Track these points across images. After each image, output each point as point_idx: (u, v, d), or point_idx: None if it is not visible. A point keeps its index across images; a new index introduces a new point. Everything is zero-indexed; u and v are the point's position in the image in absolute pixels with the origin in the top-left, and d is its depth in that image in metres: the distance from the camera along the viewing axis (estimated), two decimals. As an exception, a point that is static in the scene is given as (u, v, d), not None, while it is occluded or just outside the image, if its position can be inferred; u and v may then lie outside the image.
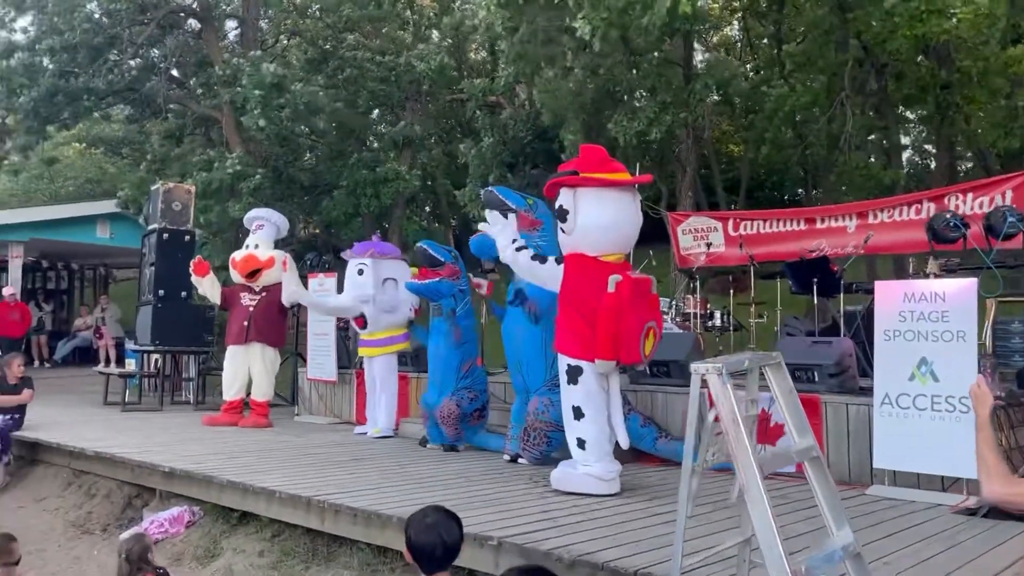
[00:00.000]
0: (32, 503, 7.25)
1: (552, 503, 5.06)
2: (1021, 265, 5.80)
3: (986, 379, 2.68)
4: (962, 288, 5.31)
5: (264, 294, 9.29)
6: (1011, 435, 5.53)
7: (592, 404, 5.40)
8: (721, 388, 2.67)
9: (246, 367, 9.26)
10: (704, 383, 2.75)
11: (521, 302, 6.41)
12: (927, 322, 5.40)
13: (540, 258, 5.72)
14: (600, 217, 5.42)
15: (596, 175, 5.44)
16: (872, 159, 14.59)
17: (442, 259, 7.40)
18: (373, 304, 8.30)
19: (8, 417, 7.75)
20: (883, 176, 12.29)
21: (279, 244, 9.93)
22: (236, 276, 9.37)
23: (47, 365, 15.85)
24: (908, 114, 16.12)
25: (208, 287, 9.43)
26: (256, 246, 9.42)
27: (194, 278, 9.40)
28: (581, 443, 5.41)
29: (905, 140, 19.16)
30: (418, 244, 7.83)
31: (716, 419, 2.73)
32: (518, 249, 5.73)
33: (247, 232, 9.98)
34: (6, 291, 13.57)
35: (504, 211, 6.46)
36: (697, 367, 2.75)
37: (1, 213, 14.92)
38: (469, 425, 7.41)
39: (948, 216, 6.03)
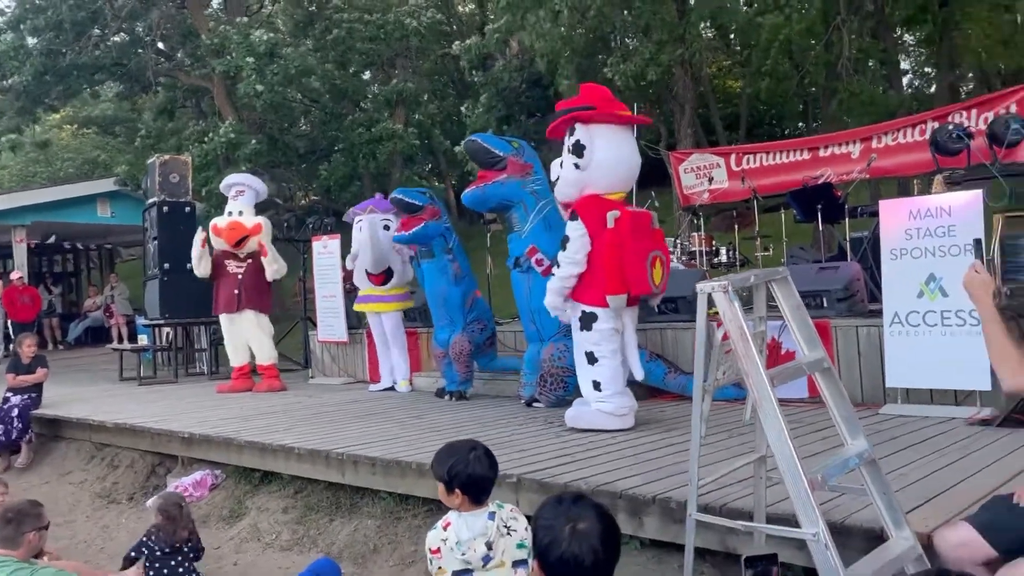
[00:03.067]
0: (57, 478, 7.36)
1: (568, 441, 5.10)
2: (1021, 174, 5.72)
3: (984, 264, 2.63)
4: (968, 200, 5.26)
5: (250, 261, 9.28)
6: (1020, 348, 5.51)
7: (606, 348, 5.42)
8: (728, 305, 2.66)
9: (242, 334, 9.30)
10: (711, 302, 2.74)
11: (523, 263, 6.39)
12: (933, 238, 5.36)
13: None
14: (613, 153, 5.45)
15: (609, 112, 5.46)
16: (872, 85, 14.36)
17: (419, 203, 7.33)
18: (403, 259, 8.31)
19: (26, 396, 7.84)
20: (885, 101, 12.12)
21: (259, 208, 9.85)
22: (219, 243, 9.27)
23: (61, 347, 16.00)
24: (907, 37, 15.84)
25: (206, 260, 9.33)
26: (240, 212, 9.34)
27: (197, 250, 9.26)
28: (596, 385, 5.44)
29: (905, 64, 18.86)
30: (392, 195, 7.74)
31: (724, 337, 2.72)
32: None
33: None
34: (14, 275, 13.63)
35: (491, 161, 6.42)
36: (703, 286, 2.74)
37: (2, 197, 14.85)
38: (483, 354, 7.57)
39: (951, 127, 5.95)
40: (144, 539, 4.73)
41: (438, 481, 2.79)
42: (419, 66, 18.67)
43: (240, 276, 9.20)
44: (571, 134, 5.46)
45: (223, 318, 9.33)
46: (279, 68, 13.34)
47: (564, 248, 5.32)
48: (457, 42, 16.65)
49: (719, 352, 2.80)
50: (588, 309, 5.38)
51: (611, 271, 5.24)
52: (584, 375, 5.51)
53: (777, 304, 2.91)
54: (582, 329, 5.42)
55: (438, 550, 2.72)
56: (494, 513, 2.72)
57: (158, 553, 4.61)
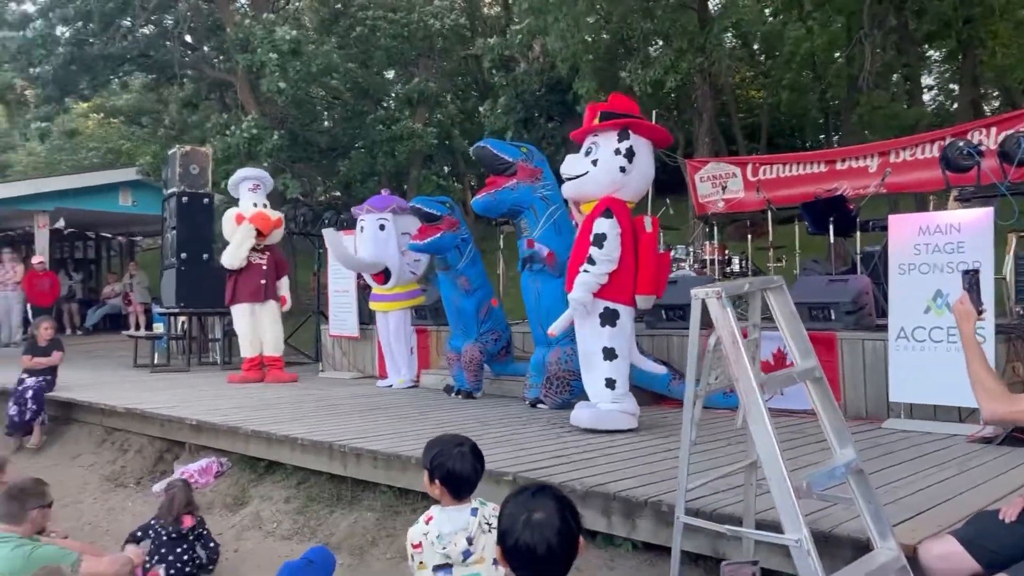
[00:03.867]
0: (68, 460, 7.48)
1: (568, 442, 5.14)
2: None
3: (971, 296, 2.68)
4: (978, 218, 5.25)
5: (268, 253, 9.44)
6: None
7: (623, 344, 5.56)
8: (720, 311, 2.69)
9: (261, 324, 9.40)
10: (704, 307, 2.77)
11: (535, 264, 6.42)
12: (942, 254, 5.36)
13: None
14: (648, 166, 5.72)
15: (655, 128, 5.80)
16: (893, 100, 14.32)
17: (438, 213, 7.37)
18: (400, 259, 8.37)
19: (41, 379, 7.95)
20: (905, 115, 12.08)
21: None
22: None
23: (79, 332, 16.22)
24: (931, 52, 15.76)
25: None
26: (265, 205, 9.52)
27: (244, 239, 9.25)
28: (611, 383, 5.50)
29: (928, 80, 18.75)
30: (411, 203, 7.80)
31: (717, 342, 2.76)
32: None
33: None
34: (35, 260, 13.83)
35: (500, 166, 6.47)
36: (696, 291, 2.77)
37: (26, 183, 15.08)
38: (497, 362, 7.62)
39: (962, 144, 5.93)
40: (151, 521, 4.82)
41: (423, 469, 2.85)
42: (441, 66, 18.78)
43: (264, 267, 9.34)
44: (623, 138, 5.55)
45: (244, 308, 9.36)
46: (302, 65, 13.48)
47: (600, 246, 5.37)
48: (482, 40, 16.74)
49: (712, 357, 2.84)
50: (612, 306, 5.48)
51: (646, 272, 5.47)
52: (598, 373, 5.54)
53: (772, 313, 2.94)
54: (603, 325, 5.47)
55: (419, 544, 2.77)
56: (476, 509, 2.77)
57: (164, 537, 4.70)
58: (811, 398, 2.88)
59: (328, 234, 8.29)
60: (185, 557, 4.73)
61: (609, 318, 5.47)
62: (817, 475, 2.68)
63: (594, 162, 5.54)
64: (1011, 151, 5.61)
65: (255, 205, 9.47)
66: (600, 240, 5.38)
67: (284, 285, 9.74)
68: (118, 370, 10.76)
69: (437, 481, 2.79)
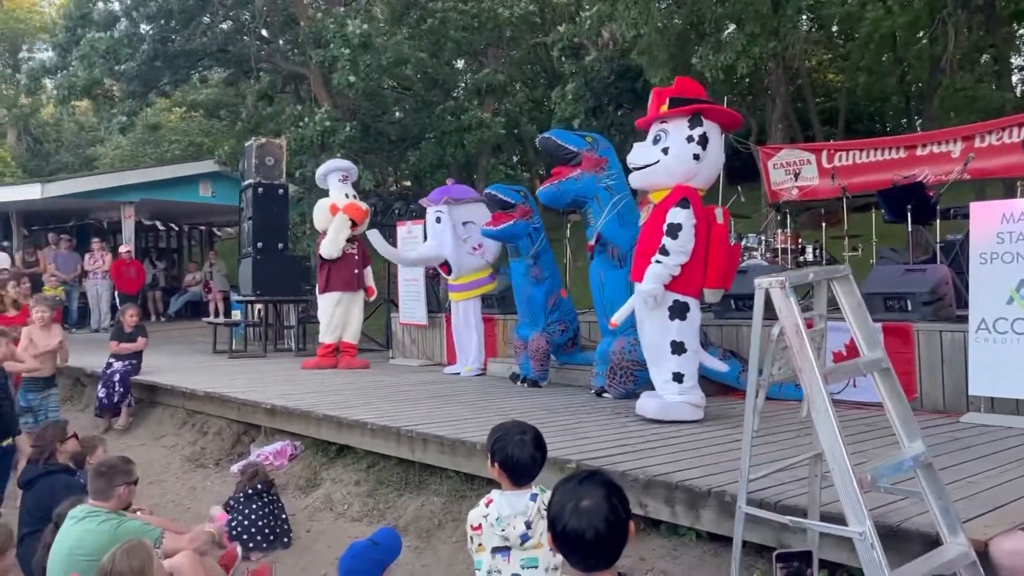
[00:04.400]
0: (152, 441, 7.83)
1: (632, 431, 5.14)
2: None
3: None
4: (1065, 205, 5.03)
5: (358, 243, 9.65)
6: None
7: (692, 338, 5.51)
8: (784, 301, 2.66)
9: (350, 312, 9.64)
10: (768, 297, 2.74)
11: (603, 247, 6.42)
12: (1027, 243, 5.14)
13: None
14: (718, 152, 5.64)
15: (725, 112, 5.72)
16: (980, 82, 13.72)
17: (512, 201, 7.43)
18: (457, 249, 8.47)
19: (127, 363, 8.34)
20: (991, 97, 11.57)
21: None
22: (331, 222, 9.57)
23: (162, 319, 16.90)
24: (1020, 31, 15.02)
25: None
26: (355, 196, 9.76)
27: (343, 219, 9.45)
28: (679, 376, 5.45)
29: (1017, 60, 17.88)
30: (486, 190, 7.88)
31: (781, 332, 2.73)
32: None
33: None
34: (122, 249, 14.45)
35: (565, 157, 6.46)
36: (760, 281, 2.75)
37: (112, 175, 15.76)
38: (563, 353, 7.66)
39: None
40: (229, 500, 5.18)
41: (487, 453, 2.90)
42: (510, 55, 18.80)
43: (356, 257, 9.60)
44: (695, 125, 5.44)
45: (335, 297, 9.52)
46: (372, 59, 13.68)
47: (675, 237, 5.27)
48: (551, 27, 16.67)
49: (776, 347, 2.81)
50: (682, 299, 5.41)
51: (716, 265, 5.41)
52: (666, 366, 5.48)
53: (838, 302, 2.89)
54: (672, 318, 5.41)
55: (479, 526, 2.82)
56: (536, 495, 2.81)
57: (243, 498, 5.23)
58: (878, 389, 2.83)
59: (372, 236, 8.41)
60: (262, 513, 5.14)
61: (679, 311, 5.41)
62: (883, 468, 2.63)
63: (664, 150, 5.46)
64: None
65: (347, 196, 9.71)
66: (675, 230, 5.28)
67: (369, 275, 9.98)
68: (198, 355, 11.18)
69: (497, 465, 2.84)
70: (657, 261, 5.32)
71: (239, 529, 5.13)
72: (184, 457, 7.29)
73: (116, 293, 14.18)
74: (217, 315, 15.11)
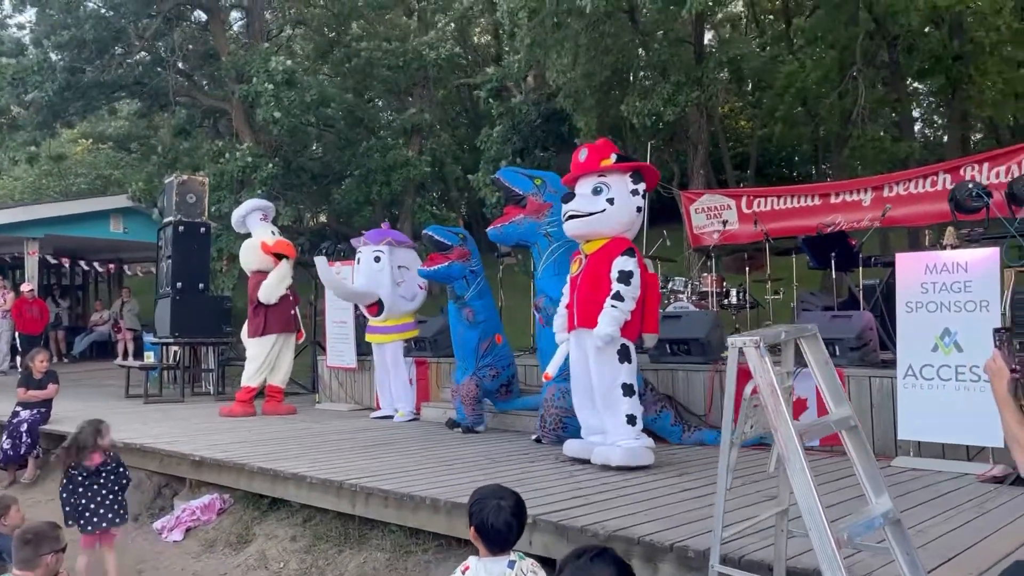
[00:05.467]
0: (63, 495, 7.33)
1: (581, 481, 5.10)
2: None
3: (1002, 353, 2.69)
4: (985, 258, 5.31)
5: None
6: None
7: (636, 380, 5.63)
8: (759, 360, 2.69)
9: (282, 355, 9.39)
10: (742, 355, 2.77)
11: (537, 309, 6.49)
12: (949, 292, 5.40)
13: None
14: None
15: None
16: (884, 133, 14.53)
17: (449, 243, 7.41)
18: (392, 291, 8.36)
19: (35, 411, 7.85)
20: (896, 149, 12.24)
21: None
22: (264, 262, 9.30)
23: (65, 360, 16.03)
24: (920, 87, 16.02)
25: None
26: (280, 234, 9.55)
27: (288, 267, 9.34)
28: (631, 419, 5.53)
29: (917, 113, 19.05)
30: (424, 231, 7.85)
31: (754, 391, 2.75)
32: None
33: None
34: (24, 287, 13.71)
35: (514, 197, 6.51)
36: (734, 340, 2.77)
37: (16, 210, 14.98)
38: (499, 400, 7.55)
39: (971, 186, 6.02)
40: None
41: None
42: (435, 95, 18.87)
43: (291, 298, 9.35)
44: (638, 180, 5.66)
45: (272, 339, 9.24)
46: (296, 95, 13.52)
47: (628, 283, 5.43)
48: (477, 69, 16.82)
49: (748, 406, 2.83)
50: (626, 343, 5.54)
51: (653, 311, 5.72)
52: (620, 409, 5.52)
53: (806, 360, 2.95)
54: (621, 362, 5.51)
55: (456, 592, 2.73)
56: (514, 562, 2.73)
57: (78, 478, 5.17)
58: (846, 446, 2.88)
59: (319, 262, 8.29)
60: (104, 491, 5.19)
61: (625, 354, 5.51)
62: (856, 526, 2.67)
63: (610, 200, 5.56)
64: (1020, 193, 5.70)
65: (273, 234, 9.46)
66: (628, 277, 5.44)
67: (297, 317, 9.73)
68: (109, 400, 10.62)
69: (473, 529, 2.76)
70: (613, 306, 5.40)
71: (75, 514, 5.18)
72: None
73: (17, 334, 13.39)
74: (127, 356, 14.43)
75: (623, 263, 5.45)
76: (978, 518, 4.03)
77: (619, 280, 5.42)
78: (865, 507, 2.85)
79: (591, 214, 5.61)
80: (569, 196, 5.72)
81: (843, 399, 2.91)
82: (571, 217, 5.72)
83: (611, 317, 5.39)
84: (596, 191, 5.66)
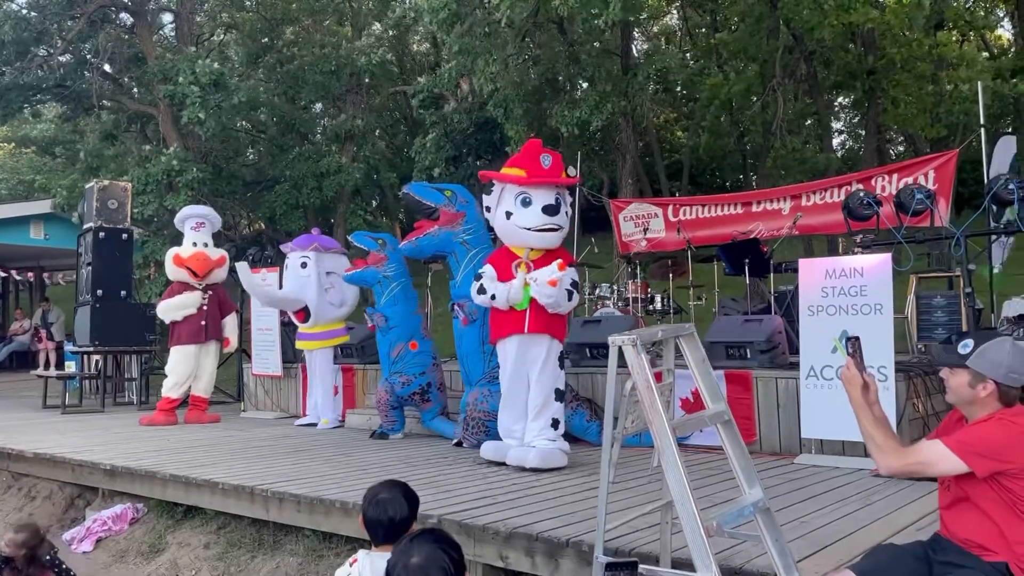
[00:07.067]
0: (-30, 508, 7.13)
1: (493, 482, 5.18)
2: (928, 240, 6.08)
3: (855, 361, 2.88)
4: (878, 263, 5.57)
5: (211, 292, 9.31)
6: (927, 402, 5.83)
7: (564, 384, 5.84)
8: (636, 357, 2.81)
9: (202, 365, 9.26)
10: (621, 354, 2.88)
11: (457, 310, 6.52)
12: (847, 296, 5.65)
13: None
14: None
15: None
16: (807, 144, 15.03)
17: (366, 248, 7.50)
18: (319, 298, 8.34)
19: (-58, 422, 7.59)
20: (816, 160, 12.68)
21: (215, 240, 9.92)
22: (179, 274, 9.25)
23: (-18, 371, 15.48)
24: (838, 100, 16.61)
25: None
26: (206, 244, 9.40)
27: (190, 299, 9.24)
28: (556, 423, 5.66)
29: (838, 125, 19.73)
30: (351, 235, 7.89)
31: (633, 388, 2.87)
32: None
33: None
34: (-63, 296, 13.21)
35: (426, 211, 6.54)
36: (613, 339, 2.88)
37: (-70, 215, 14.45)
38: (420, 409, 7.50)
39: (862, 195, 6.30)
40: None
41: None
42: (370, 102, 18.84)
43: (205, 307, 9.20)
44: (572, 194, 5.81)
45: (186, 350, 9.15)
46: (224, 98, 13.36)
47: (575, 293, 5.61)
48: (411, 77, 16.86)
49: (628, 402, 2.95)
50: (561, 349, 5.72)
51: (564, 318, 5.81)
52: (548, 413, 5.64)
53: (684, 358, 3.08)
54: (560, 367, 5.70)
55: (344, 585, 2.78)
56: None
57: None
58: (721, 440, 3.02)
59: (240, 268, 8.22)
60: None
61: (562, 360, 5.73)
62: (727, 515, 2.80)
63: (567, 213, 5.75)
64: (906, 202, 5.99)
65: (195, 244, 9.35)
66: (576, 288, 5.63)
67: (229, 325, 9.60)
68: (26, 411, 10.33)
69: (362, 523, 2.83)
70: (568, 289, 5.50)
71: None
72: (8, 525, 6.66)
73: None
74: (48, 366, 14.02)
75: (574, 273, 5.64)
76: (861, 509, 4.23)
77: (572, 287, 5.58)
78: (739, 497, 2.98)
79: (560, 228, 5.72)
80: (554, 208, 5.60)
81: (719, 395, 3.04)
82: (554, 230, 5.68)
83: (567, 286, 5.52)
84: (558, 202, 5.70)
